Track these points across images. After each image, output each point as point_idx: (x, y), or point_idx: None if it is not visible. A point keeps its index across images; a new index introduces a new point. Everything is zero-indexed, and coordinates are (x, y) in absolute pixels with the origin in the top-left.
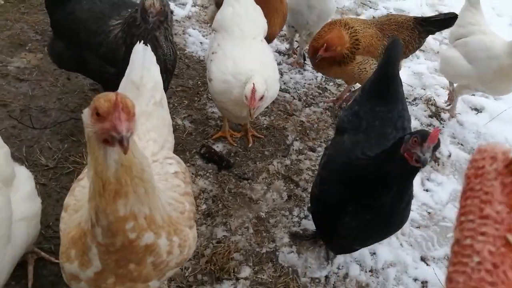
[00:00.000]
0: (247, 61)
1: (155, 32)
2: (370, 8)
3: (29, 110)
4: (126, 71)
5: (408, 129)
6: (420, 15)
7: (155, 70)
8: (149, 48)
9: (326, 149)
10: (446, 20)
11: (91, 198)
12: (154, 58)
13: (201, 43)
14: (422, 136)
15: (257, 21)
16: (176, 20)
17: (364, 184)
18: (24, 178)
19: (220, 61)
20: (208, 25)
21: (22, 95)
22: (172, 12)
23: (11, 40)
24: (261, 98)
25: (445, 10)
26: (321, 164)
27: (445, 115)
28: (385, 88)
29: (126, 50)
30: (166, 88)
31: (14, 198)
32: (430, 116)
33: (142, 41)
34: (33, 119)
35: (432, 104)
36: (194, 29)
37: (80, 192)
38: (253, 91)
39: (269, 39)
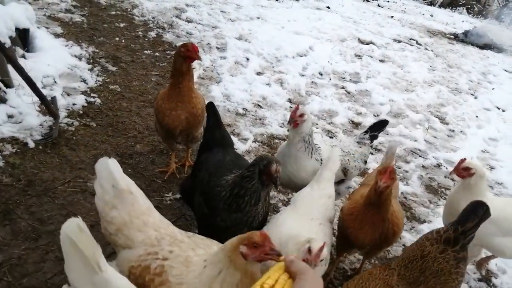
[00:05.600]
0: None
1: (262, 191)
2: (420, 157)
3: (97, 225)
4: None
5: None
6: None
7: None
8: None
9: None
10: None
11: None
12: None
13: None
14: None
15: (326, 208)
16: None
17: None
18: None
19: (273, 225)
20: None
21: (94, 211)
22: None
23: (95, 159)
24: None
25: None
26: None
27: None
28: None
29: (227, 201)
30: None
31: None
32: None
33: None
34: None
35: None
36: None
37: None
38: (320, 249)
39: None
